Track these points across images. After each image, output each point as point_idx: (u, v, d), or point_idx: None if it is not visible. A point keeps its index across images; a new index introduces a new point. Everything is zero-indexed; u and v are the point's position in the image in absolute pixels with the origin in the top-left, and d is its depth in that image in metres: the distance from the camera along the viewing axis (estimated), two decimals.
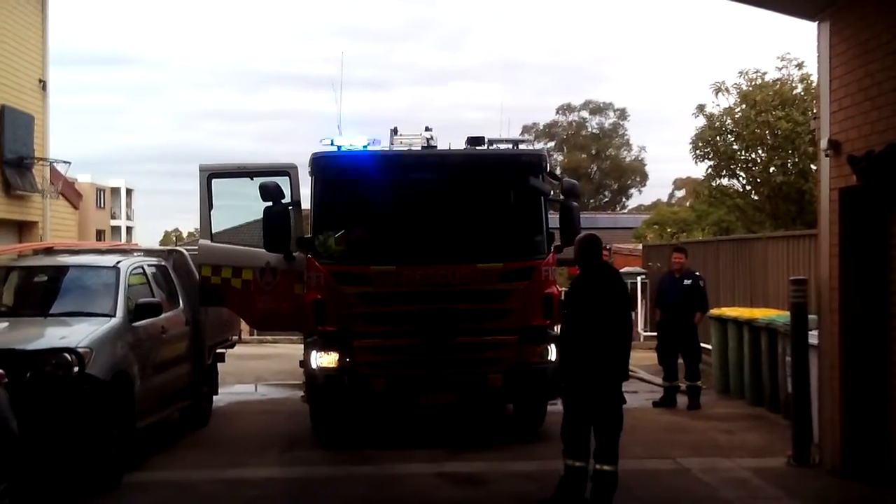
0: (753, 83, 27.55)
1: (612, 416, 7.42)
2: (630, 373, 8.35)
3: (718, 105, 28.29)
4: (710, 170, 29.25)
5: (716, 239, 20.39)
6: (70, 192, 21.44)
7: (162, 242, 60.50)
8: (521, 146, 11.52)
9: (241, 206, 11.43)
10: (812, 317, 9.29)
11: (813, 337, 9.15)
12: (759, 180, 28.08)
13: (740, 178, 29.05)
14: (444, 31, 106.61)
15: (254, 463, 9.50)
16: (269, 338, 22.78)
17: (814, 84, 26.27)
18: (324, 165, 10.38)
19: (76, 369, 8.06)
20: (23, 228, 18.52)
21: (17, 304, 10.12)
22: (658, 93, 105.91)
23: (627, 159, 71.51)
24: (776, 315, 11.81)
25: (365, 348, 9.89)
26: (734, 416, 11.82)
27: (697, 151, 28.51)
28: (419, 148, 10.91)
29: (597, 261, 7.73)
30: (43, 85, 18.95)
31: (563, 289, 11.31)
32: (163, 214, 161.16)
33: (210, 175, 10.85)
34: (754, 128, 26.62)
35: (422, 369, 9.93)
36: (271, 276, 10.69)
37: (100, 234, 55.92)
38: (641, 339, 17.41)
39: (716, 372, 13.79)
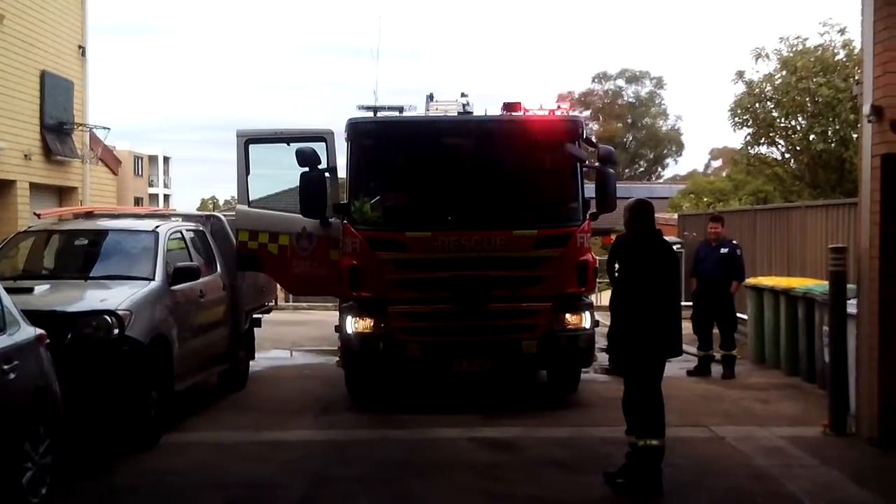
0: (794, 49, 27.03)
1: (656, 390, 7.16)
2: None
3: (758, 71, 27.83)
4: (748, 137, 28.81)
5: (753, 208, 20.16)
6: (109, 158, 21.64)
7: (199, 210, 60.89)
8: (557, 113, 11.42)
9: (277, 174, 11.49)
10: (850, 286, 9.19)
11: (851, 306, 9.04)
12: (798, 148, 27.63)
13: (779, 146, 28.58)
14: None
15: (290, 425, 9.61)
16: (303, 304, 22.97)
17: (856, 50, 25.80)
18: (360, 131, 10.38)
19: (116, 331, 8.16)
20: (63, 193, 18.76)
21: (59, 267, 10.29)
22: (695, 63, 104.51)
23: (664, 128, 70.71)
24: (814, 284, 11.69)
25: (400, 314, 9.94)
26: (769, 385, 11.75)
27: (736, 119, 28.07)
28: (455, 114, 10.89)
29: (648, 227, 7.30)
30: (82, 51, 19.08)
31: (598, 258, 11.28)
32: (199, 183, 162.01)
33: (247, 140, 10.89)
34: (794, 94, 26.11)
35: (456, 335, 9.95)
36: (308, 241, 10.73)
37: (138, 201, 56.47)
38: None
39: (751, 342, 13.70)
